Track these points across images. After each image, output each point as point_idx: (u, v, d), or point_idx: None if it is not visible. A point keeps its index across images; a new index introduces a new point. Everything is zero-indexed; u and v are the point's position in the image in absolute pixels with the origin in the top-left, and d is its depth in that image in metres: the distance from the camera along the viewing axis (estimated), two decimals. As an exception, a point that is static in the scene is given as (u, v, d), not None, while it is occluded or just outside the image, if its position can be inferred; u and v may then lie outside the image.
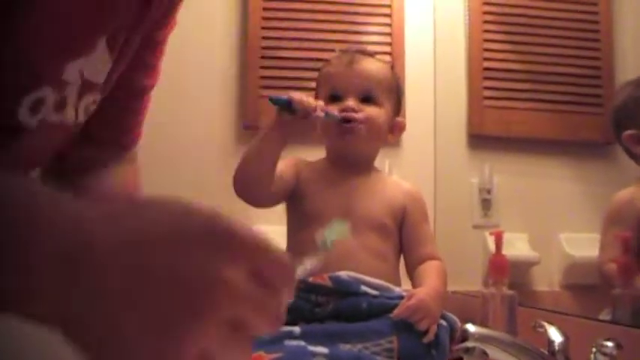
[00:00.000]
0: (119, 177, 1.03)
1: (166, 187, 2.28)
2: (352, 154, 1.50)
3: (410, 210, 1.49)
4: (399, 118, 1.56)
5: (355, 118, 1.45)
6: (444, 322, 1.32)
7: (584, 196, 1.81)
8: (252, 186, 1.44)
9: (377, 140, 1.52)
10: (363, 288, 1.32)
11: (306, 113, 1.37)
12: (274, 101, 1.38)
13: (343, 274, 1.34)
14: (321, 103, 1.41)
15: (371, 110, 1.47)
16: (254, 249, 0.53)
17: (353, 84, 1.48)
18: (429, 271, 1.42)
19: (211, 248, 0.51)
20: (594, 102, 1.90)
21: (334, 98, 1.48)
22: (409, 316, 1.26)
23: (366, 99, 1.48)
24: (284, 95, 1.38)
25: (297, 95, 1.37)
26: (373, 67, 1.51)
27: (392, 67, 1.56)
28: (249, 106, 2.33)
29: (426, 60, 2.38)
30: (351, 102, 1.46)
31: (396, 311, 1.27)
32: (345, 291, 1.32)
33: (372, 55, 1.56)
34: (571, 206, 1.86)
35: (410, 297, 1.29)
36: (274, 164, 1.41)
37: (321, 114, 1.39)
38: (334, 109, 1.45)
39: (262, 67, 2.32)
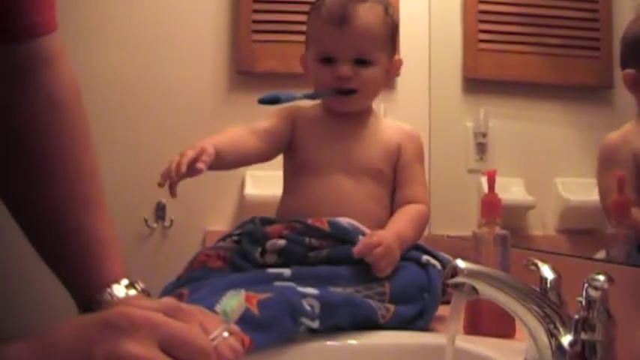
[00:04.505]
0: (55, 80, 0.98)
1: (160, 134, 2.27)
2: (350, 112, 1.48)
3: (404, 148, 1.46)
4: (395, 58, 1.51)
5: (347, 88, 1.42)
6: (437, 265, 1.30)
7: (580, 140, 1.80)
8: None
9: (375, 96, 1.49)
10: (361, 238, 1.29)
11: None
12: (265, 101, 1.37)
13: (343, 220, 1.32)
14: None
15: (366, 73, 1.42)
16: (153, 323, 0.64)
17: (345, 48, 1.41)
18: (402, 214, 1.41)
19: (110, 333, 0.61)
20: (591, 45, 1.87)
21: (327, 60, 1.43)
22: (367, 253, 1.24)
23: (361, 60, 1.42)
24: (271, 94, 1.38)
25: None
26: (366, 23, 1.41)
27: (386, 9, 1.46)
28: (242, 52, 2.31)
29: (422, 2, 2.36)
30: (344, 68, 1.40)
31: (355, 248, 1.26)
32: (342, 238, 1.30)
33: None
34: (567, 151, 1.85)
35: (371, 236, 1.28)
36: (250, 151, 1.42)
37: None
38: (327, 75, 1.42)
39: (255, 12, 2.30)
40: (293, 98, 1.40)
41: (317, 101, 1.53)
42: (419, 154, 1.50)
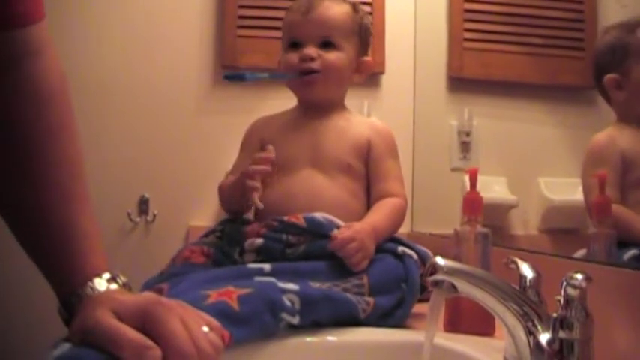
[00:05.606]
0: (43, 71, 0.97)
1: (144, 128, 2.26)
2: (316, 100, 1.51)
3: (374, 144, 1.48)
4: (365, 58, 1.55)
5: (310, 68, 1.46)
6: (414, 255, 1.31)
7: (564, 140, 1.80)
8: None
9: (339, 83, 1.53)
10: (336, 231, 1.30)
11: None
12: (230, 77, 1.44)
13: (318, 215, 1.33)
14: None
15: (330, 56, 1.47)
16: None
17: (310, 31, 1.48)
18: (377, 208, 1.42)
19: None
20: (575, 46, 1.87)
21: (295, 46, 1.49)
22: (341, 247, 1.25)
23: (326, 44, 1.48)
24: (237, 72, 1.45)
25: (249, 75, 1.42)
26: (330, 12, 1.49)
27: (355, 8, 1.54)
28: (227, 46, 2.31)
29: (407, 1, 2.36)
30: (309, 50, 1.47)
31: (330, 244, 1.26)
32: (318, 233, 1.31)
33: None
34: (550, 150, 1.85)
35: (345, 229, 1.29)
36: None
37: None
38: (294, 57, 1.47)
39: (240, 7, 2.30)
40: (258, 77, 1.45)
41: (287, 107, 1.57)
42: (391, 149, 1.51)
